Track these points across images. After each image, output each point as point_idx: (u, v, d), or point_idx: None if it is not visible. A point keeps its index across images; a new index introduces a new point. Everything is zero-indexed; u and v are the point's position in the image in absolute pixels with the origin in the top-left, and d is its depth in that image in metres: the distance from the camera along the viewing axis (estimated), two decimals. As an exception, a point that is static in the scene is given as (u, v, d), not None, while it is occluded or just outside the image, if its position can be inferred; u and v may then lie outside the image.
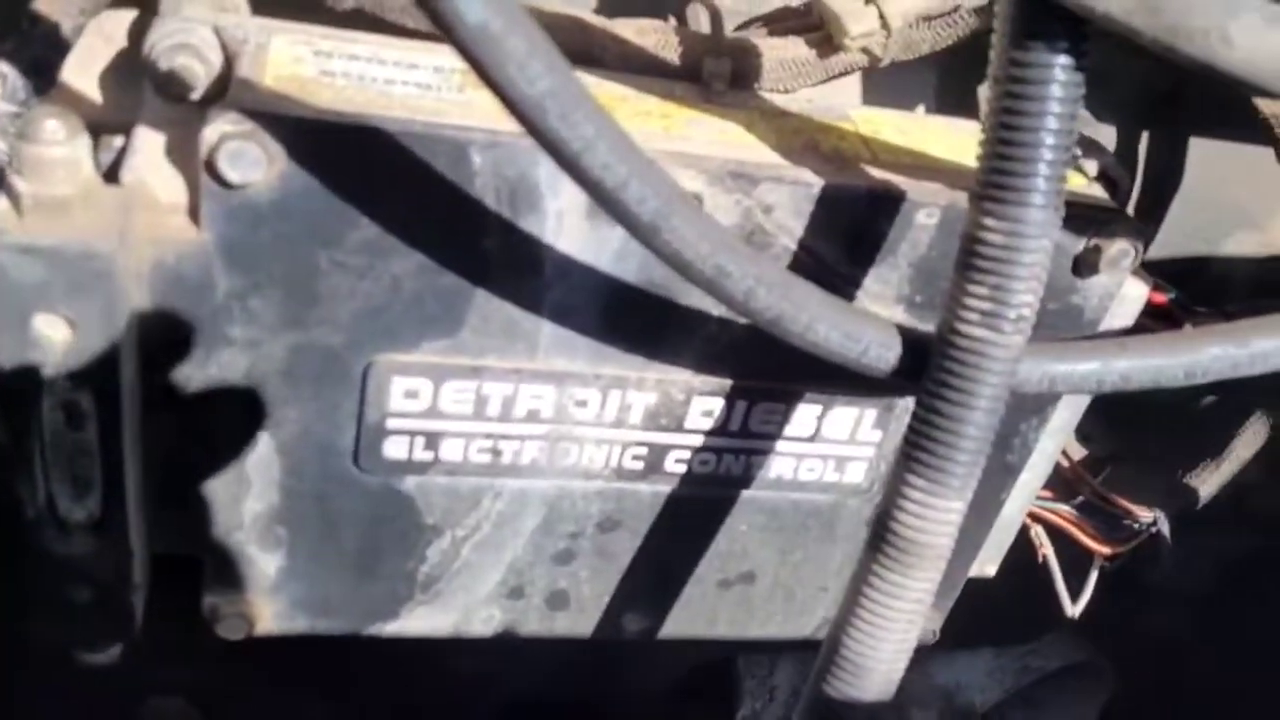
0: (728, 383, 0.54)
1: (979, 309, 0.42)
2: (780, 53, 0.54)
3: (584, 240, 0.48)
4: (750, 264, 0.42)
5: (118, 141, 0.46)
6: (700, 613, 0.63)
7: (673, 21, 0.57)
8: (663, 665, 0.93)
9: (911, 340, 0.46)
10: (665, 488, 0.57)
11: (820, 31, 0.55)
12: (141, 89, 0.47)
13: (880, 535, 0.46)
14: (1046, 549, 0.69)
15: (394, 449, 0.52)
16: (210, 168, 0.43)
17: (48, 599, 0.51)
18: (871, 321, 0.46)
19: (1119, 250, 0.52)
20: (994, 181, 0.41)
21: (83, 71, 0.49)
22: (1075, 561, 0.72)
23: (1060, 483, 0.69)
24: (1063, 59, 0.39)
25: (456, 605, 0.59)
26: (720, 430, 0.55)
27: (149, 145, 0.46)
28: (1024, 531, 0.69)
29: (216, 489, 0.52)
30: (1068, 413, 0.60)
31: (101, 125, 0.47)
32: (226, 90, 0.44)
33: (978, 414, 0.44)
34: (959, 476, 0.45)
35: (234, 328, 0.47)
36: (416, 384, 0.51)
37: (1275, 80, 0.39)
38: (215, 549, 0.54)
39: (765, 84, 0.54)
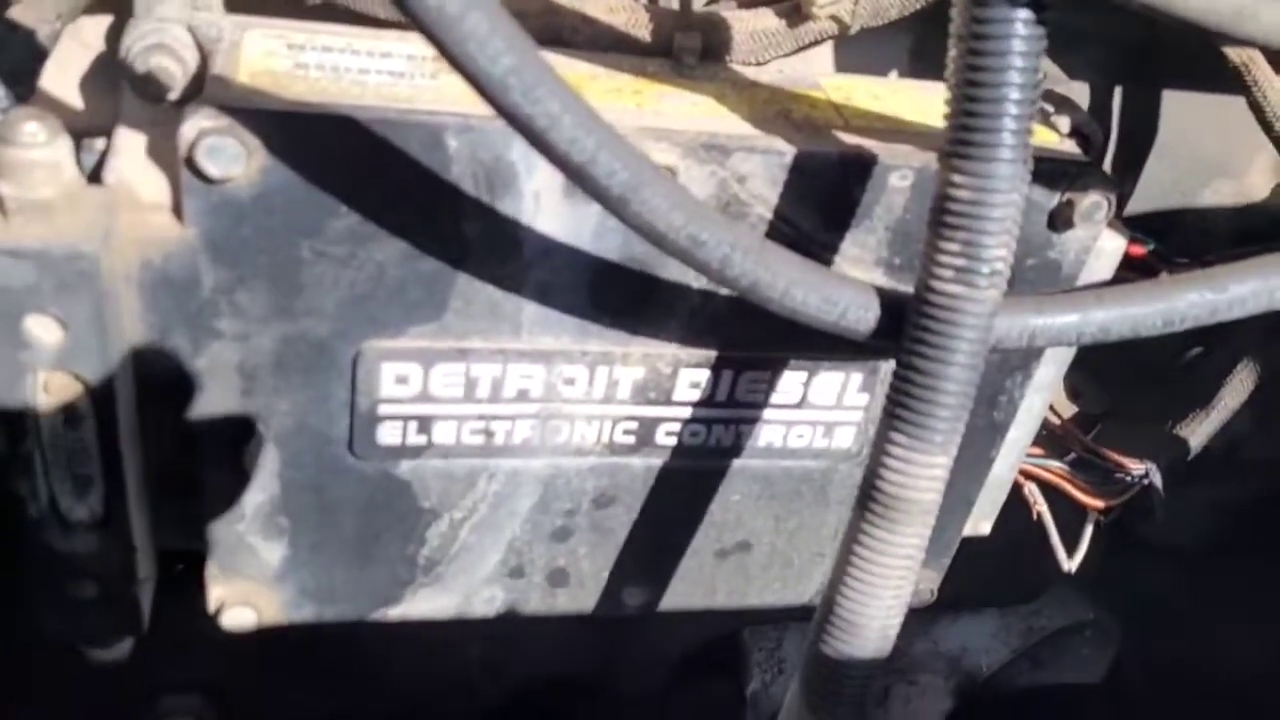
0: (713, 354, 0.55)
1: (952, 265, 0.43)
2: (750, 24, 0.55)
3: (562, 219, 0.49)
4: (724, 231, 0.43)
5: (99, 144, 0.47)
6: (699, 583, 0.63)
7: (643, -1, 0.57)
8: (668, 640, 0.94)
9: (889, 301, 0.47)
10: (657, 461, 0.58)
11: (789, 2, 0.55)
12: (120, 91, 0.47)
13: (868, 494, 0.47)
14: (1040, 505, 0.70)
15: (388, 435, 0.53)
16: (190, 164, 0.44)
17: (54, 597, 0.51)
18: (848, 284, 0.47)
19: (1092, 203, 0.52)
20: (961, 139, 0.42)
21: (62, 77, 0.50)
22: (1072, 519, 0.72)
23: (1052, 439, 0.70)
24: (1023, 13, 0.40)
25: (458, 587, 0.60)
26: (708, 401, 0.56)
27: (130, 145, 0.47)
28: (1018, 490, 0.69)
29: (216, 482, 0.53)
30: (1053, 368, 0.61)
31: (83, 129, 0.47)
32: (203, 88, 0.45)
33: (956, 369, 0.44)
34: (941, 432, 0.45)
35: (222, 321, 0.48)
36: (406, 369, 0.51)
37: (1232, 24, 0.40)
38: (218, 542, 0.55)
39: (736, 56, 0.55)
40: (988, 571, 0.73)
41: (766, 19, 0.55)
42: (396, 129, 0.45)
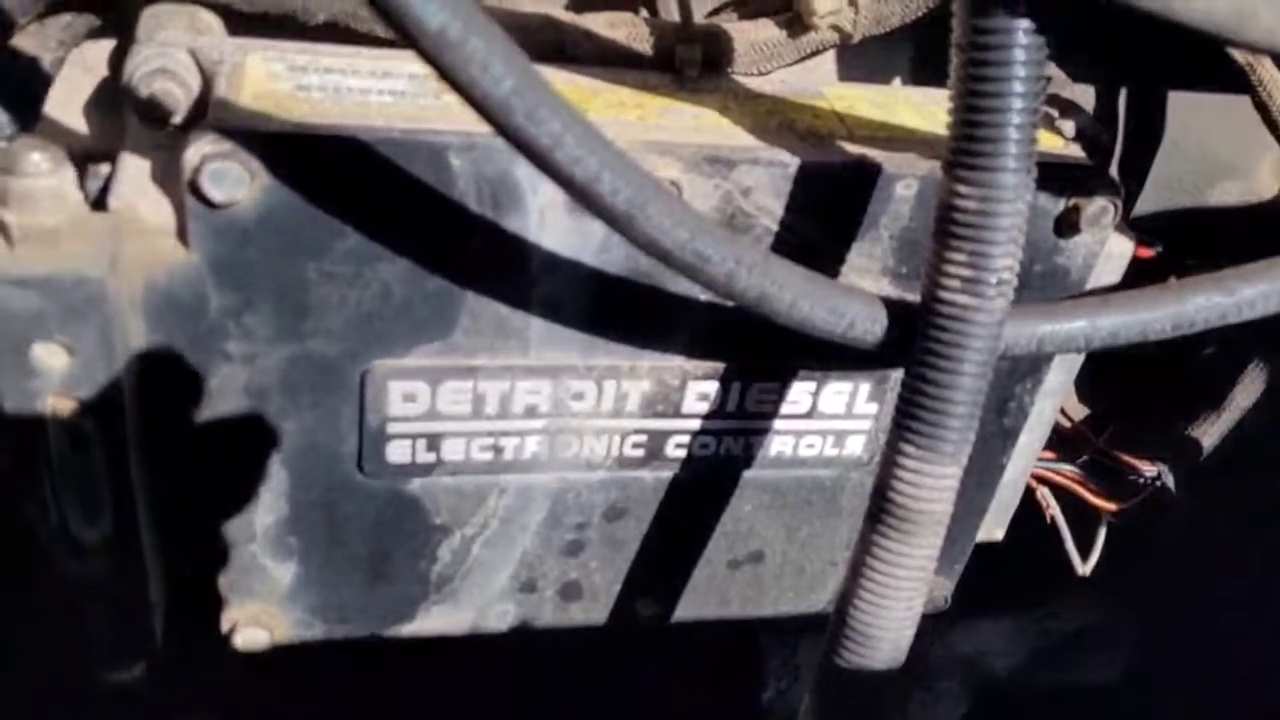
0: (721, 365, 0.55)
1: (959, 275, 0.43)
2: (751, 36, 0.55)
3: (568, 235, 0.49)
4: (729, 246, 0.43)
5: (104, 169, 0.47)
6: (712, 594, 0.63)
7: (644, 12, 0.57)
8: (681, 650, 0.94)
9: (896, 311, 0.46)
10: (668, 473, 0.58)
11: (790, 12, 0.55)
12: (124, 116, 0.48)
13: (879, 505, 0.47)
14: (1054, 509, 0.70)
15: (397, 453, 0.53)
16: (194, 189, 0.44)
17: (65, 620, 0.52)
18: (855, 296, 0.47)
19: (1098, 208, 0.52)
20: (965, 149, 0.42)
21: (66, 103, 0.50)
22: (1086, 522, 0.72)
23: (1063, 443, 0.69)
24: (1024, 22, 0.40)
25: (471, 603, 0.60)
26: (717, 413, 0.56)
27: (134, 171, 0.47)
28: (1031, 494, 0.69)
29: (226, 504, 0.53)
30: (1062, 373, 0.60)
31: (88, 154, 0.47)
32: (206, 111, 0.45)
33: (966, 379, 0.44)
34: (952, 443, 0.45)
35: (230, 344, 0.48)
36: (414, 387, 0.51)
37: (1234, 30, 0.39)
38: (229, 563, 0.55)
39: (738, 68, 0.55)
40: (1004, 577, 0.73)
41: (768, 30, 0.55)
42: (400, 148, 0.45)
